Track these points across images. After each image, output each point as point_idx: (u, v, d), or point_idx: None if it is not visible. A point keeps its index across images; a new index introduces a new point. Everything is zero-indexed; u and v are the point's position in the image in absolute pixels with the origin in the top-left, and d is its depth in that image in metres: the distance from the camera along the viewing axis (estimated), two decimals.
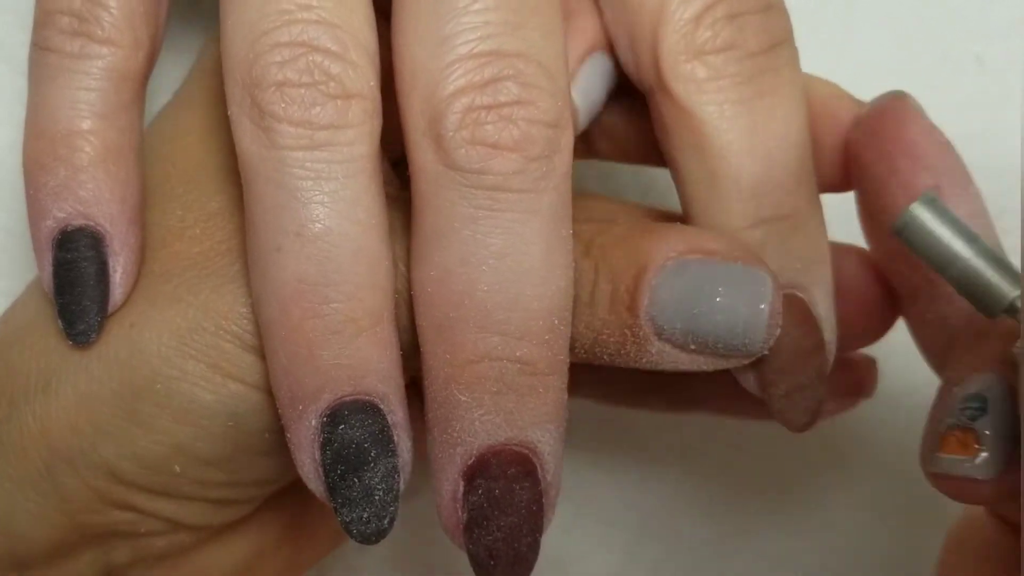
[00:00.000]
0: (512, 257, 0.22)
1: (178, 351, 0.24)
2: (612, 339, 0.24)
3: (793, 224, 0.25)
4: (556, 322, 0.22)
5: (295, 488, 0.28)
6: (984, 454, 0.22)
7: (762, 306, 0.23)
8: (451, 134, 0.22)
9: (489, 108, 0.22)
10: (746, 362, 0.24)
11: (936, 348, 0.26)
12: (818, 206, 0.26)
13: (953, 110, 0.36)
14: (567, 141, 0.22)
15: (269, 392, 0.24)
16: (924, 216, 0.22)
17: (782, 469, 0.37)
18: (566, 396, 0.23)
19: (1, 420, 0.25)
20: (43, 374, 0.25)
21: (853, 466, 0.37)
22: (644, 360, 0.24)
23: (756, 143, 0.24)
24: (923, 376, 0.28)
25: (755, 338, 0.23)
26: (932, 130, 0.26)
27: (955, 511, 0.27)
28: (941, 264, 0.23)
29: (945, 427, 0.23)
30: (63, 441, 0.24)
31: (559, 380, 0.23)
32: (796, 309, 0.25)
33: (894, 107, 0.26)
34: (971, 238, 0.23)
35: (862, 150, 0.26)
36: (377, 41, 0.23)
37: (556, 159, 0.22)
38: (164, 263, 0.25)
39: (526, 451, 0.22)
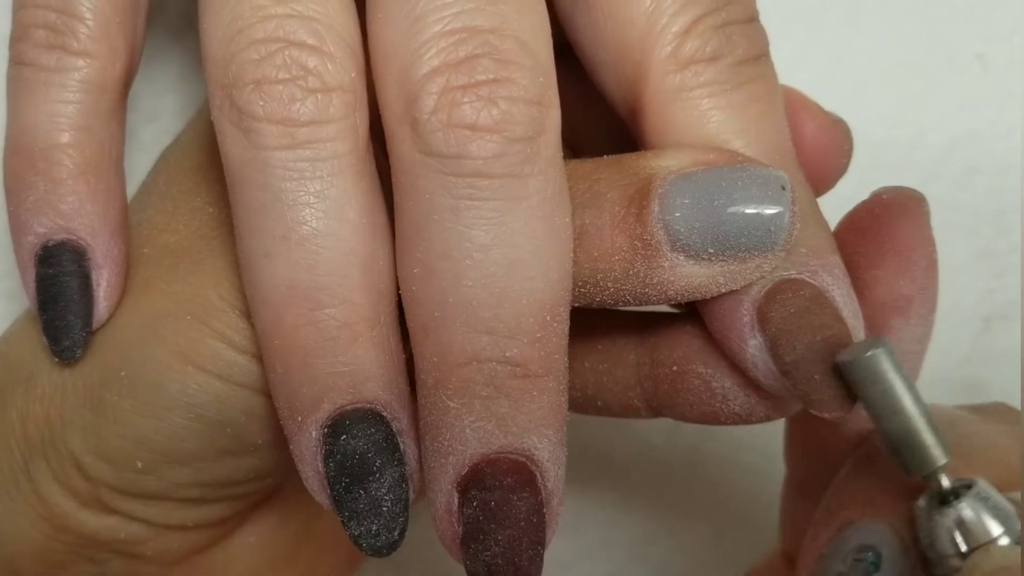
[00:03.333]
0: (498, 249, 0.21)
1: (148, 338, 0.24)
2: (618, 259, 0.22)
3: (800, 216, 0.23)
4: (549, 318, 0.21)
5: (301, 499, 0.28)
6: None
7: (782, 196, 0.22)
8: (427, 117, 0.20)
9: (465, 88, 0.20)
10: (766, 267, 0.22)
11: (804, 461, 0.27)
12: (814, 199, 0.25)
13: (955, 109, 0.36)
14: (553, 120, 0.21)
15: (232, 383, 0.23)
16: (884, 363, 0.22)
17: (782, 469, 0.37)
18: (565, 398, 0.22)
19: None
20: (28, 365, 0.25)
21: None
22: (654, 279, 0.22)
23: (748, 144, 0.23)
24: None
25: (780, 227, 0.22)
26: (931, 243, 0.25)
27: None
28: (885, 413, 0.22)
29: (835, 573, 0.23)
30: (37, 432, 0.24)
31: (555, 382, 0.22)
32: (808, 290, 0.23)
33: (912, 207, 0.25)
34: (918, 397, 0.22)
35: (861, 224, 0.25)
36: (358, 30, 0.22)
37: (541, 140, 0.21)
38: (145, 253, 0.25)
39: (523, 459, 0.21)
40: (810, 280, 0.23)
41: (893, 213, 0.25)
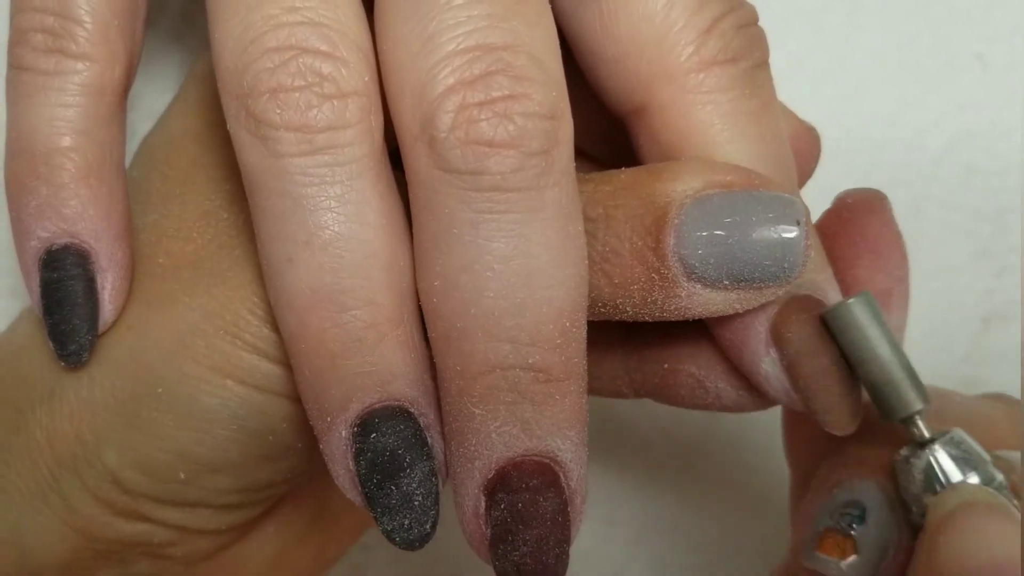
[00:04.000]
0: (517, 260, 0.21)
1: (178, 354, 0.24)
2: (636, 288, 0.23)
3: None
4: (568, 324, 0.22)
5: (314, 482, 0.28)
6: (855, 558, 0.24)
7: (796, 229, 0.22)
8: (444, 135, 0.21)
9: (482, 105, 0.21)
10: (781, 292, 0.23)
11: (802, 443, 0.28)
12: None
13: (955, 109, 0.36)
14: (566, 132, 0.22)
15: (272, 393, 0.24)
16: (861, 311, 0.23)
17: (783, 466, 0.37)
18: (586, 399, 0.22)
19: (10, 430, 0.25)
20: (48, 382, 0.25)
21: None
22: (672, 306, 0.23)
23: (765, 149, 0.24)
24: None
25: (793, 261, 0.22)
26: (899, 236, 0.26)
27: None
28: (862, 359, 0.23)
29: (823, 527, 0.24)
30: (68, 450, 0.24)
31: (576, 384, 0.22)
32: (818, 308, 0.24)
33: (876, 205, 0.26)
34: (896, 345, 0.23)
35: (831, 229, 0.26)
36: (369, 35, 0.22)
37: (555, 152, 0.21)
38: (161, 263, 0.25)
39: (547, 460, 0.22)
40: (819, 297, 0.24)
41: (860, 213, 0.25)
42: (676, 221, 0.22)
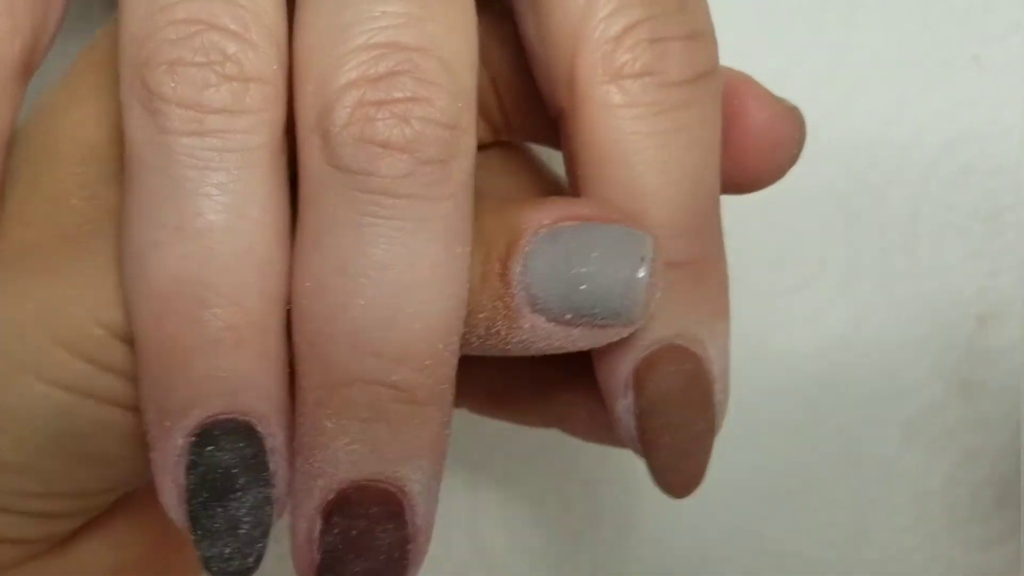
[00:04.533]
0: (394, 270, 0.20)
1: None
2: (482, 316, 0.22)
3: (696, 272, 0.23)
4: (440, 347, 0.20)
5: (156, 504, 0.27)
6: None
7: (641, 268, 0.21)
8: (338, 130, 0.20)
9: (380, 104, 0.20)
10: (625, 333, 0.22)
11: None
12: (723, 256, 0.24)
13: (952, 110, 0.36)
14: (467, 146, 0.20)
15: (79, 394, 0.22)
16: None
17: (780, 468, 0.37)
18: (447, 431, 0.21)
19: None
20: None
21: (851, 464, 0.37)
22: (514, 339, 0.22)
23: (666, 180, 0.22)
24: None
25: (635, 300, 0.21)
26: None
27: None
28: None
29: None
30: None
31: (438, 412, 0.21)
32: (690, 364, 0.23)
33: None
34: None
35: None
36: (286, 25, 0.21)
37: (453, 165, 0.20)
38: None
39: (393, 489, 0.20)
40: (694, 351, 0.23)
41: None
42: (526, 249, 0.21)
